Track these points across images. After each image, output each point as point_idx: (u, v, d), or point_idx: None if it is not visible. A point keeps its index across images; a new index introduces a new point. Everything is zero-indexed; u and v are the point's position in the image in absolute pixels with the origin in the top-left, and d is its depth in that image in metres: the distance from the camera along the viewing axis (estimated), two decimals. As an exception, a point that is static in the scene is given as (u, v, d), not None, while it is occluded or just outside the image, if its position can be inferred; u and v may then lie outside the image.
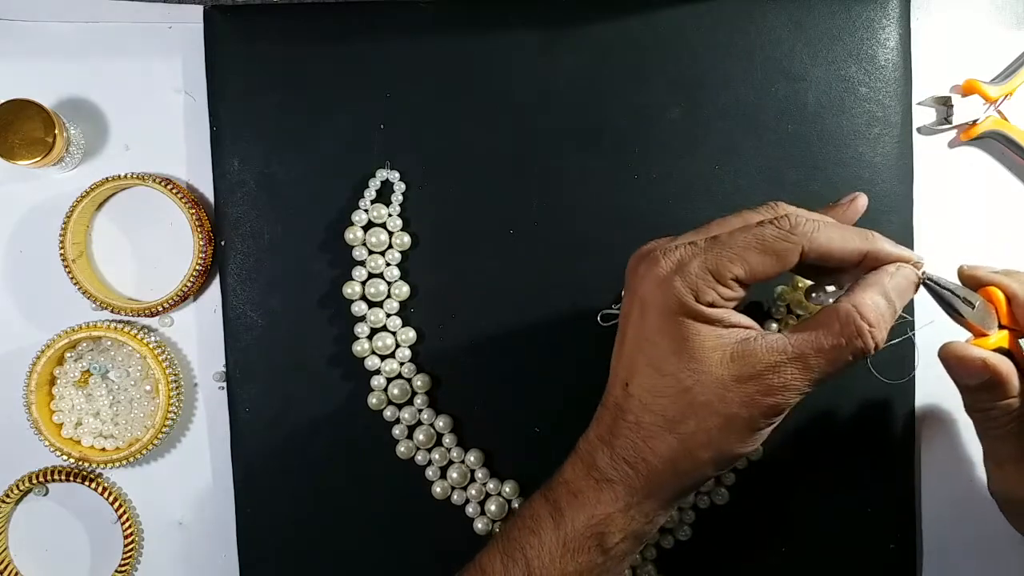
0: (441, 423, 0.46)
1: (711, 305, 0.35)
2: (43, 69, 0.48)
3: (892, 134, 0.46)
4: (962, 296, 0.38)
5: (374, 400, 0.46)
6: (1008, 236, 0.48)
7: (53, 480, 0.47)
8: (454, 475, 0.46)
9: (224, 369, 0.47)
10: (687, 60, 0.46)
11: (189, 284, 0.46)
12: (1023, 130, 0.47)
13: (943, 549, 0.48)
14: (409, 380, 0.46)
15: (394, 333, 0.46)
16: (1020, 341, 0.40)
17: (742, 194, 0.46)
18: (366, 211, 0.46)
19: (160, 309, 0.47)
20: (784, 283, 0.45)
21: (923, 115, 0.48)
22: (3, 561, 0.48)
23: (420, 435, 0.46)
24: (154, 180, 0.46)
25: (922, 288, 0.38)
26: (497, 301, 0.46)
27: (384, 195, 0.46)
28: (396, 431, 0.46)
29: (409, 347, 0.46)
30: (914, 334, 0.41)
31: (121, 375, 0.48)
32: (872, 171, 0.46)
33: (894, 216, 0.46)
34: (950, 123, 0.47)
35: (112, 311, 0.47)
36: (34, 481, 0.47)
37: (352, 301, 0.46)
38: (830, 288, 0.39)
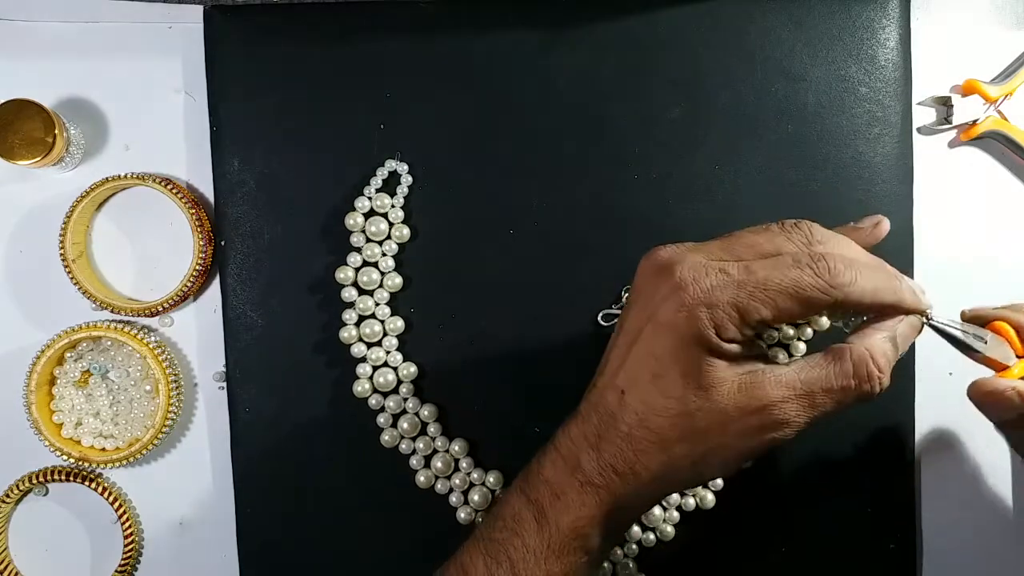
0: (426, 412, 0.46)
1: (731, 341, 0.35)
2: (43, 69, 0.48)
3: (892, 134, 0.46)
4: (972, 334, 0.39)
5: (359, 388, 0.46)
6: (1008, 236, 0.48)
7: (53, 480, 0.47)
8: (438, 464, 0.46)
9: (224, 369, 0.47)
10: (687, 60, 0.46)
11: (189, 284, 0.46)
12: (1023, 130, 0.47)
13: (943, 549, 0.48)
14: (395, 369, 0.46)
15: (382, 321, 0.46)
16: None
17: (742, 194, 0.46)
18: (370, 199, 0.46)
19: (160, 309, 0.47)
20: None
21: (923, 115, 0.48)
22: (3, 561, 0.48)
23: (404, 424, 0.46)
24: (154, 180, 0.46)
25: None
26: (492, 297, 0.46)
27: (390, 186, 0.46)
28: (381, 419, 0.46)
29: (397, 336, 0.46)
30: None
31: (121, 375, 0.48)
32: (872, 171, 0.46)
33: (894, 216, 0.46)
34: (950, 123, 0.47)
35: (112, 311, 0.47)
36: (34, 481, 0.47)
37: (343, 286, 0.46)
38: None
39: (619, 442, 0.36)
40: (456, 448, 0.46)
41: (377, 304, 0.46)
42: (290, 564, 0.47)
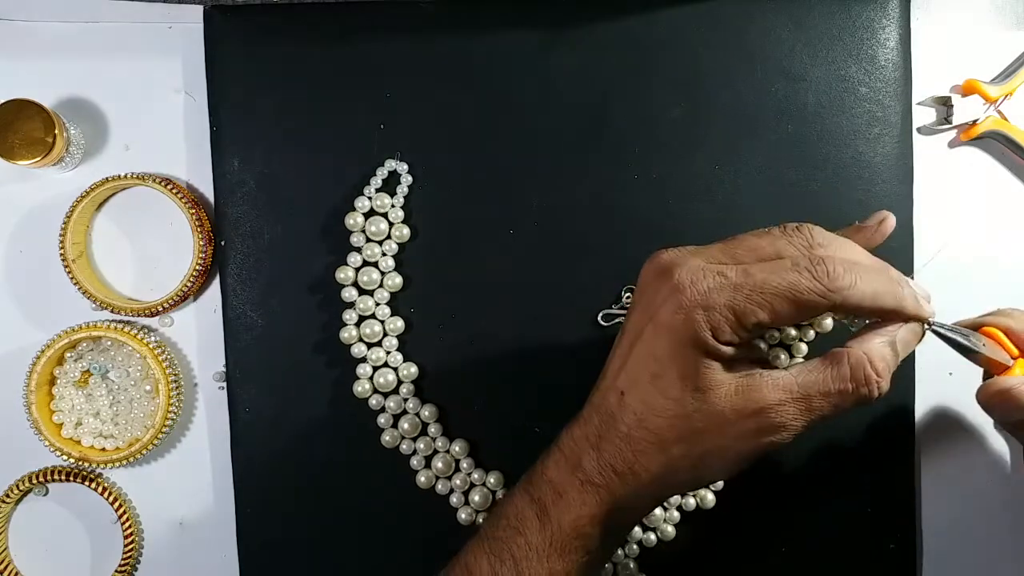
0: (426, 412, 0.46)
1: (727, 343, 0.35)
2: (43, 69, 0.48)
3: (892, 134, 0.46)
4: (972, 337, 0.39)
5: (359, 388, 0.46)
6: (1008, 236, 0.48)
7: (53, 480, 0.47)
8: (439, 465, 0.46)
9: (224, 369, 0.47)
10: (687, 60, 0.46)
11: (189, 284, 0.46)
12: (1023, 130, 0.47)
13: (943, 549, 0.48)
14: (395, 369, 0.46)
15: (382, 321, 0.46)
16: None
17: (742, 194, 0.46)
18: (370, 198, 0.46)
19: (160, 309, 0.47)
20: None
21: (923, 115, 0.48)
22: (3, 561, 0.48)
23: (405, 424, 0.46)
24: (154, 180, 0.46)
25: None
26: (492, 297, 0.46)
27: (390, 186, 0.46)
28: (381, 420, 0.46)
29: (397, 336, 0.46)
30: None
31: (121, 375, 0.48)
32: (872, 171, 0.46)
33: (895, 216, 0.46)
34: (950, 123, 0.47)
35: (112, 311, 0.47)
36: (34, 481, 0.47)
37: (343, 286, 0.46)
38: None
39: (618, 442, 0.36)
40: (457, 449, 0.46)
41: (377, 304, 0.46)
42: (290, 564, 0.47)
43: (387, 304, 0.46)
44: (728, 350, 0.35)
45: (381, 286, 0.46)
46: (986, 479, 0.48)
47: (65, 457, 0.46)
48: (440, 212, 0.47)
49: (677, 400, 0.35)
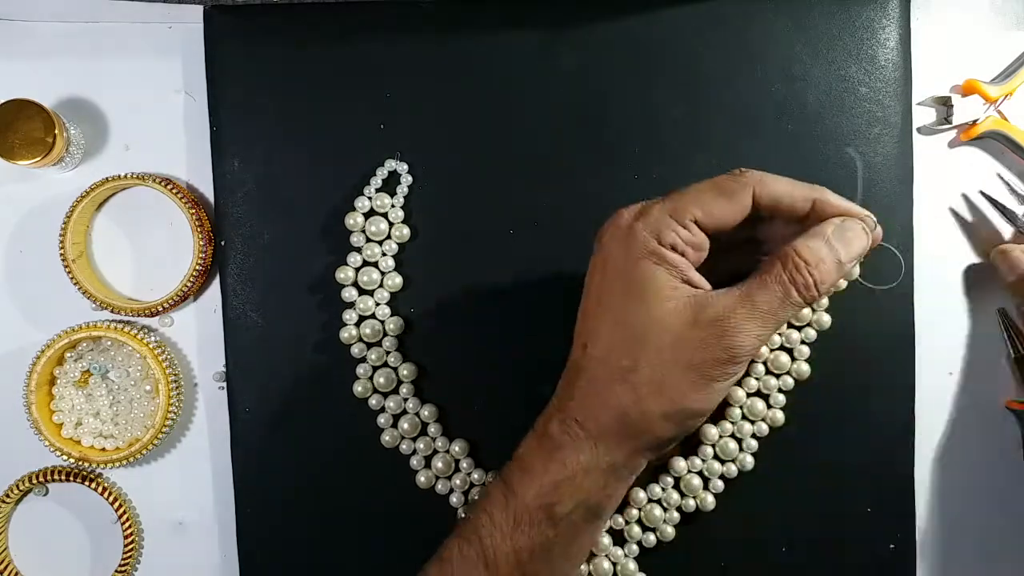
0: (426, 412, 0.46)
1: (672, 247, 0.36)
2: (43, 69, 0.48)
3: (892, 134, 0.46)
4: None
5: (359, 388, 0.46)
6: (1008, 237, 0.48)
7: (53, 480, 0.47)
8: (439, 465, 0.46)
9: (224, 369, 0.47)
10: (687, 60, 0.46)
11: (189, 284, 0.46)
12: (1023, 130, 0.47)
13: (943, 549, 0.48)
14: (395, 369, 0.46)
15: (382, 321, 0.46)
16: None
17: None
18: (370, 199, 0.46)
19: (160, 309, 0.47)
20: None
21: (923, 115, 0.48)
22: (3, 561, 0.48)
23: (405, 424, 0.46)
24: (154, 180, 0.46)
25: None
26: (491, 297, 0.46)
27: (390, 186, 0.46)
28: (381, 420, 0.46)
29: (396, 336, 0.46)
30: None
31: (121, 375, 0.48)
32: (872, 171, 0.46)
33: (894, 216, 0.46)
34: (950, 123, 0.47)
35: (112, 311, 0.47)
36: (34, 481, 0.47)
37: (344, 286, 0.46)
38: None
39: (580, 393, 0.37)
40: (456, 448, 0.46)
41: (377, 304, 0.46)
42: (290, 564, 0.47)
43: (387, 304, 0.46)
44: (673, 256, 0.36)
45: (381, 286, 0.46)
46: (985, 479, 0.48)
47: (65, 457, 0.46)
48: (440, 212, 0.47)
49: (629, 323, 0.36)
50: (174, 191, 0.46)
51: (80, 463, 0.47)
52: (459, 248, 0.46)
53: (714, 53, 0.46)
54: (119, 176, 0.46)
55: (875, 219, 0.38)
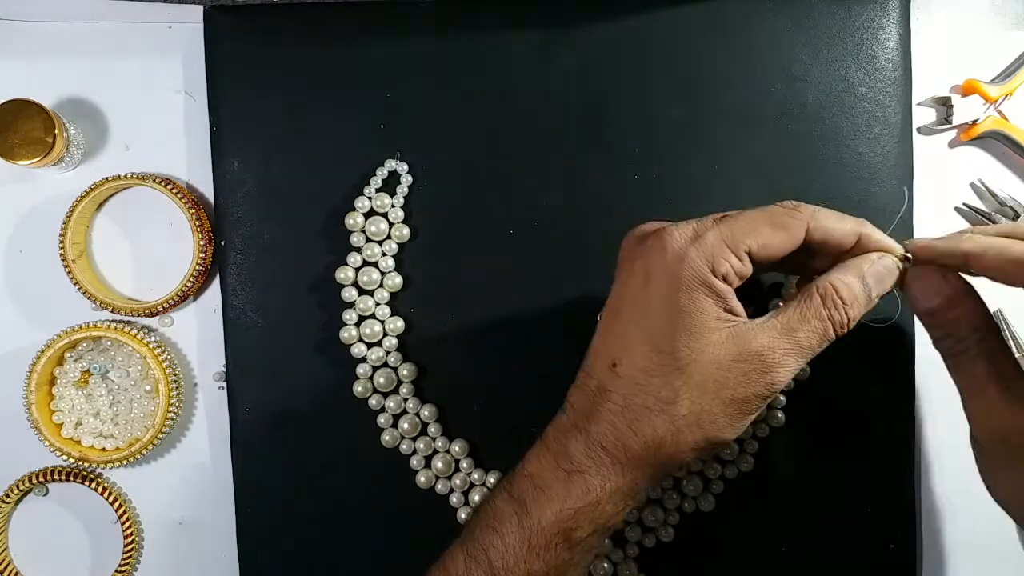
0: (426, 412, 0.46)
1: (724, 278, 0.35)
2: (43, 69, 0.48)
3: (892, 134, 0.46)
4: None
5: (359, 388, 0.46)
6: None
7: (53, 480, 0.47)
8: (439, 465, 0.46)
9: (224, 369, 0.47)
10: (687, 60, 0.46)
11: (189, 284, 0.46)
12: (1023, 130, 0.47)
13: (943, 549, 0.48)
14: (395, 369, 0.46)
15: (382, 321, 0.46)
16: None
17: (742, 194, 0.46)
18: (370, 198, 0.46)
19: (160, 309, 0.47)
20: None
21: (923, 115, 0.48)
22: (3, 561, 0.48)
23: (405, 424, 0.46)
24: (154, 180, 0.46)
25: None
26: (491, 297, 0.46)
27: (390, 186, 0.46)
28: (381, 420, 0.46)
29: (396, 336, 0.46)
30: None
31: (121, 375, 0.48)
32: (872, 171, 0.46)
33: (894, 216, 0.46)
34: (950, 123, 0.47)
35: (112, 311, 0.47)
36: (34, 481, 0.47)
37: (343, 286, 0.46)
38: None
39: (611, 417, 0.36)
40: (456, 449, 0.46)
41: (377, 304, 0.46)
42: (290, 564, 0.47)
43: (387, 304, 0.46)
44: (724, 288, 0.35)
45: (381, 286, 0.46)
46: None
47: (65, 457, 0.46)
48: (440, 212, 0.47)
49: (671, 354, 0.35)
50: (174, 191, 0.46)
51: (80, 463, 0.47)
52: (459, 248, 0.46)
53: (714, 53, 0.46)
54: (119, 176, 0.46)
55: (909, 255, 0.38)
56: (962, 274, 0.38)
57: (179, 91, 0.48)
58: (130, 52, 0.48)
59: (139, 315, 0.47)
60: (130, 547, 0.48)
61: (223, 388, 0.47)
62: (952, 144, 0.48)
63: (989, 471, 0.38)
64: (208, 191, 0.47)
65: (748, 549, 0.46)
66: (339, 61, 0.46)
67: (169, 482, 0.48)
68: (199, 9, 0.46)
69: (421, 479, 0.46)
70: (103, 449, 0.47)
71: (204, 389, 0.49)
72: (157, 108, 0.48)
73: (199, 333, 0.48)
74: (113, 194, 0.48)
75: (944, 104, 0.47)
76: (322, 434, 0.46)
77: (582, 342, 0.45)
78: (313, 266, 0.46)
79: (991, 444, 0.37)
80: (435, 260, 0.47)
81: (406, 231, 0.46)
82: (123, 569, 0.48)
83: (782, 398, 0.46)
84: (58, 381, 0.47)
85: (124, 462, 0.47)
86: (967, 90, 0.47)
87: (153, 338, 0.47)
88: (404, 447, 0.46)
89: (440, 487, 0.46)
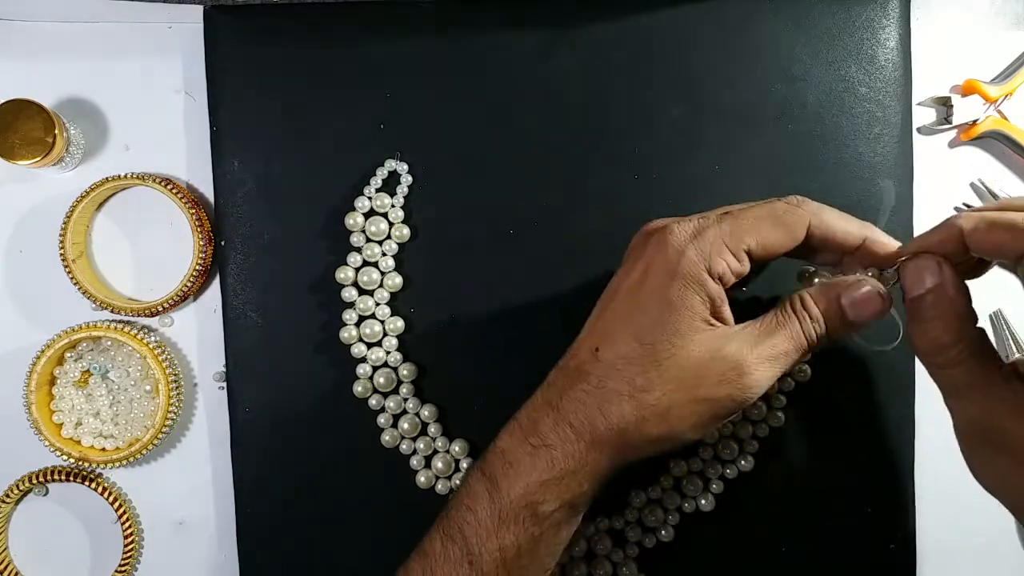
0: (426, 412, 0.46)
1: (719, 278, 0.36)
2: (43, 69, 0.48)
3: (892, 134, 0.46)
4: None
5: (359, 388, 0.46)
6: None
7: (53, 480, 0.47)
8: (439, 465, 0.46)
9: (224, 369, 0.47)
10: (687, 60, 0.46)
11: (189, 284, 0.46)
12: (1023, 130, 0.47)
13: (942, 549, 0.48)
14: (395, 369, 0.46)
15: (382, 321, 0.46)
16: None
17: (742, 194, 0.46)
18: (370, 198, 0.46)
19: (160, 309, 0.47)
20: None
21: (923, 115, 0.48)
22: (3, 561, 0.48)
23: (405, 424, 0.46)
24: (154, 180, 0.46)
25: None
26: (492, 297, 0.46)
27: (390, 186, 0.46)
28: (381, 420, 0.46)
29: (396, 336, 0.46)
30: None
31: (121, 375, 0.48)
32: (872, 171, 0.46)
33: (894, 216, 0.46)
34: (950, 123, 0.47)
35: (112, 311, 0.47)
36: (34, 481, 0.47)
37: (343, 286, 0.46)
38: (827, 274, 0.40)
39: (583, 396, 0.36)
40: (456, 449, 0.46)
41: (377, 304, 0.46)
42: (290, 564, 0.47)
43: (387, 304, 0.46)
44: (716, 288, 0.36)
45: (381, 286, 0.46)
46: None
47: (65, 457, 0.46)
48: (440, 212, 0.47)
49: (652, 345, 0.36)
50: (174, 191, 0.46)
51: (80, 463, 0.47)
52: (459, 248, 0.46)
53: (714, 53, 0.46)
54: (119, 176, 0.46)
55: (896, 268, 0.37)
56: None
57: (179, 91, 0.48)
58: (130, 52, 0.48)
59: (139, 315, 0.47)
60: (130, 547, 0.48)
61: (223, 388, 0.47)
62: (952, 144, 0.48)
63: (973, 463, 0.38)
64: (208, 191, 0.47)
65: (748, 549, 0.46)
66: (339, 61, 0.46)
67: (169, 482, 0.48)
68: (199, 9, 0.46)
69: (421, 479, 0.46)
70: (103, 449, 0.47)
71: (204, 389, 0.49)
72: (157, 108, 0.48)
73: (199, 333, 0.48)
74: (113, 194, 0.48)
75: (944, 104, 0.47)
76: (322, 434, 0.46)
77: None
78: (313, 266, 0.46)
79: (972, 438, 0.37)
80: (435, 260, 0.47)
81: (406, 231, 0.46)
82: (123, 569, 0.48)
83: (782, 398, 0.46)
84: (58, 381, 0.47)
85: (124, 462, 0.47)
86: (967, 90, 0.47)
87: (153, 338, 0.47)
88: (404, 447, 0.46)
89: (440, 487, 0.46)
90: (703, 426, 0.36)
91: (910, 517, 0.47)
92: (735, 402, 0.36)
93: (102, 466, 0.47)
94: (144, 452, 0.46)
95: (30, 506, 0.49)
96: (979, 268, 0.38)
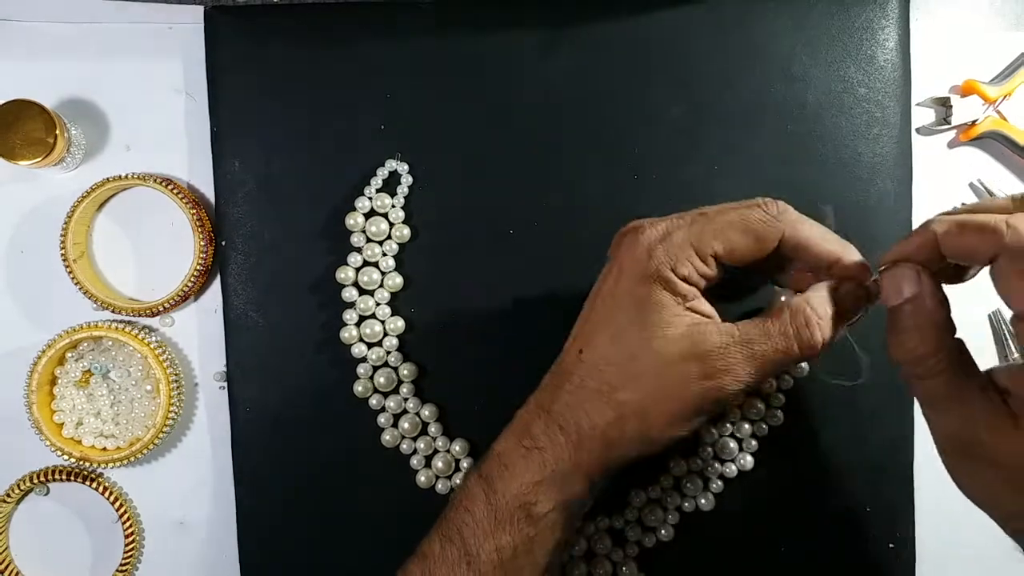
0: (426, 412, 0.46)
1: (685, 279, 0.36)
2: (44, 69, 0.48)
3: (891, 134, 0.46)
4: None
5: (360, 388, 0.46)
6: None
7: (54, 480, 0.47)
8: (439, 465, 0.46)
9: (224, 369, 0.47)
10: (687, 60, 0.46)
11: (190, 284, 0.46)
12: (1022, 130, 0.47)
13: (942, 549, 0.48)
14: (395, 369, 0.46)
15: (383, 321, 0.46)
16: None
17: (742, 194, 0.45)
18: (370, 199, 0.46)
19: (161, 309, 0.47)
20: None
21: (922, 115, 0.48)
22: (3, 561, 0.48)
23: (405, 424, 0.46)
24: (155, 180, 0.46)
25: None
26: (492, 297, 0.46)
27: (390, 186, 0.47)
28: (381, 419, 0.46)
29: (397, 336, 0.46)
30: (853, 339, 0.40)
31: (122, 375, 0.48)
32: (872, 171, 0.46)
33: (894, 216, 0.46)
34: (949, 123, 0.47)
35: (113, 311, 0.47)
36: (35, 481, 0.47)
37: (344, 286, 0.46)
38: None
39: (568, 397, 0.37)
40: (457, 448, 0.46)
41: (377, 304, 0.46)
42: (290, 564, 0.47)
43: (387, 304, 0.46)
44: (683, 287, 0.36)
45: (381, 286, 0.46)
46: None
47: (66, 457, 0.46)
48: (440, 212, 0.47)
49: (627, 344, 0.36)
50: (175, 191, 0.46)
51: (81, 463, 0.47)
52: (459, 248, 0.46)
53: (714, 53, 0.46)
54: (120, 176, 0.46)
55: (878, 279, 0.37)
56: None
57: (179, 91, 0.48)
58: (130, 52, 0.48)
59: (140, 315, 0.47)
60: (131, 547, 0.48)
61: (224, 388, 0.47)
62: (951, 144, 0.48)
63: (956, 476, 0.37)
64: (209, 191, 0.48)
65: (748, 549, 0.47)
66: (339, 61, 0.46)
67: (169, 482, 0.49)
68: (199, 9, 0.46)
69: (421, 479, 0.46)
70: (104, 449, 0.47)
71: (205, 389, 0.49)
72: (157, 108, 0.48)
73: (200, 333, 0.48)
74: (114, 194, 0.48)
75: (943, 104, 0.47)
76: (322, 434, 0.47)
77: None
78: (313, 266, 0.46)
79: (952, 451, 0.36)
80: (435, 260, 0.47)
81: (406, 231, 0.46)
82: (123, 569, 0.48)
83: (781, 396, 0.46)
84: (59, 381, 0.47)
85: (125, 462, 0.47)
86: (966, 90, 0.47)
87: (154, 338, 0.47)
88: (404, 447, 0.46)
89: (440, 487, 0.46)
90: (682, 426, 0.36)
91: (910, 517, 0.47)
92: (713, 402, 0.36)
93: (103, 466, 0.47)
94: (145, 452, 0.46)
95: (31, 506, 0.49)
96: (960, 273, 0.37)
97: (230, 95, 0.46)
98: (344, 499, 0.47)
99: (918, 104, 0.48)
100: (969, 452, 0.35)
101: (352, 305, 0.46)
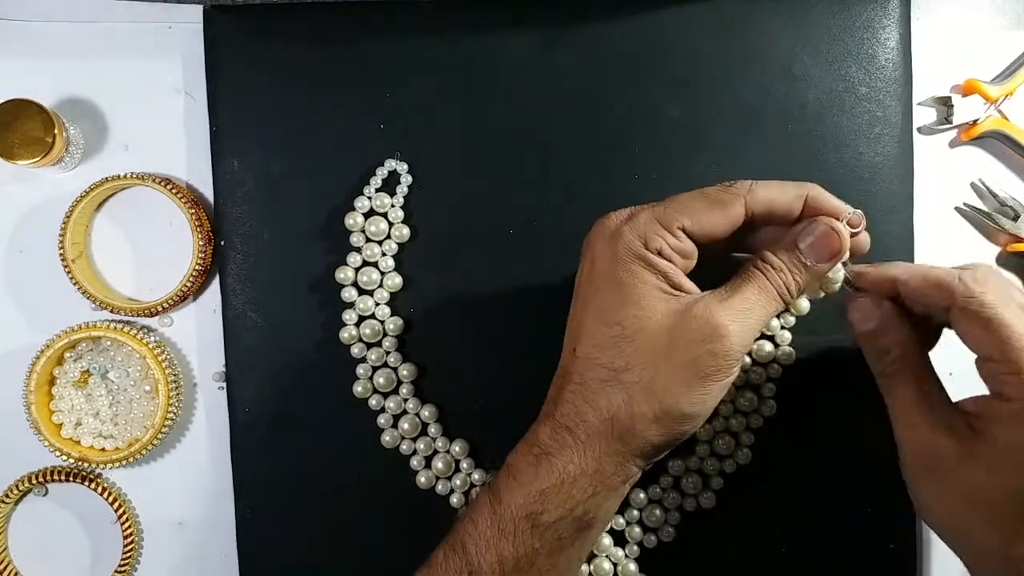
0: (426, 413, 0.46)
1: (659, 253, 0.36)
2: (43, 69, 0.48)
3: (892, 134, 0.46)
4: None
5: (359, 388, 0.46)
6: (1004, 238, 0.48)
7: (53, 480, 0.47)
8: (439, 465, 0.46)
9: (224, 369, 0.47)
10: (687, 60, 0.46)
11: (189, 284, 0.46)
12: (1023, 130, 0.47)
13: (943, 549, 0.48)
14: (395, 369, 0.46)
15: (382, 321, 0.46)
16: None
17: (742, 194, 0.46)
18: (369, 198, 0.46)
19: (160, 309, 0.47)
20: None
21: (923, 115, 0.48)
22: (3, 561, 0.48)
23: (405, 424, 0.46)
24: (154, 180, 0.46)
25: None
26: (492, 297, 0.46)
27: (390, 186, 0.46)
28: (381, 420, 0.46)
29: (396, 336, 0.46)
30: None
31: (121, 375, 0.48)
32: (872, 171, 0.46)
33: (894, 216, 0.46)
34: (950, 123, 0.47)
35: (112, 311, 0.47)
36: (34, 481, 0.47)
37: (343, 286, 0.46)
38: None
39: (571, 396, 0.37)
40: (457, 449, 0.46)
41: (377, 304, 0.46)
42: (290, 564, 0.47)
43: (387, 304, 0.46)
44: (661, 262, 0.36)
45: (381, 286, 0.46)
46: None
47: (65, 457, 0.46)
48: (440, 212, 0.47)
49: (619, 323, 0.36)
50: (174, 191, 0.46)
51: (80, 463, 0.47)
52: (459, 248, 0.46)
53: (714, 53, 0.46)
54: (119, 176, 0.46)
55: (861, 216, 0.38)
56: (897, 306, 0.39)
57: (179, 91, 0.48)
58: (130, 52, 0.48)
59: (139, 315, 0.47)
60: (130, 547, 0.48)
61: (223, 388, 0.47)
62: (952, 144, 0.48)
63: (917, 493, 0.39)
64: (208, 191, 0.47)
65: (748, 549, 0.46)
66: (339, 61, 0.46)
67: (169, 482, 0.48)
68: (199, 9, 0.46)
69: (421, 479, 0.46)
70: (103, 449, 0.47)
71: (204, 389, 0.49)
72: (157, 108, 0.48)
73: (199, 333, 0.48)
74: (113, 194, 0.48)
75: (944, 104, 0.47)
76: (322, 434, 0.46)
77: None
78: (313, 266, 0.46)
79: (917, 468, 0.38)
80: (435, 260, 0.47)
81: (406, 231, 0.46)
82: (123, 569, 0.48)
83: (771, 386, 0.45)
84: (58, 381, 0.47)
85: (124, 462, 0.46)
86: (967, 90, 0.47)
87: (153, 338, 0.47)
88: (404, 447, 0.46)
89: (440, 487, 0.46)
90: (699, 394, 0.36)
91: (910, 517, 0.47)
92: (717, 358, 0.35)
93: (102, 466, 0.47)
94: (144, 452, 0.46)
95: (30, 506, 0.49)
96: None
97: (229, 95, 0.46)
98: (344, 500, 0.46)
99: (919, 103, 0.48)
100: (937, 468, 0.37)
101: (351, 305, 0.46)
